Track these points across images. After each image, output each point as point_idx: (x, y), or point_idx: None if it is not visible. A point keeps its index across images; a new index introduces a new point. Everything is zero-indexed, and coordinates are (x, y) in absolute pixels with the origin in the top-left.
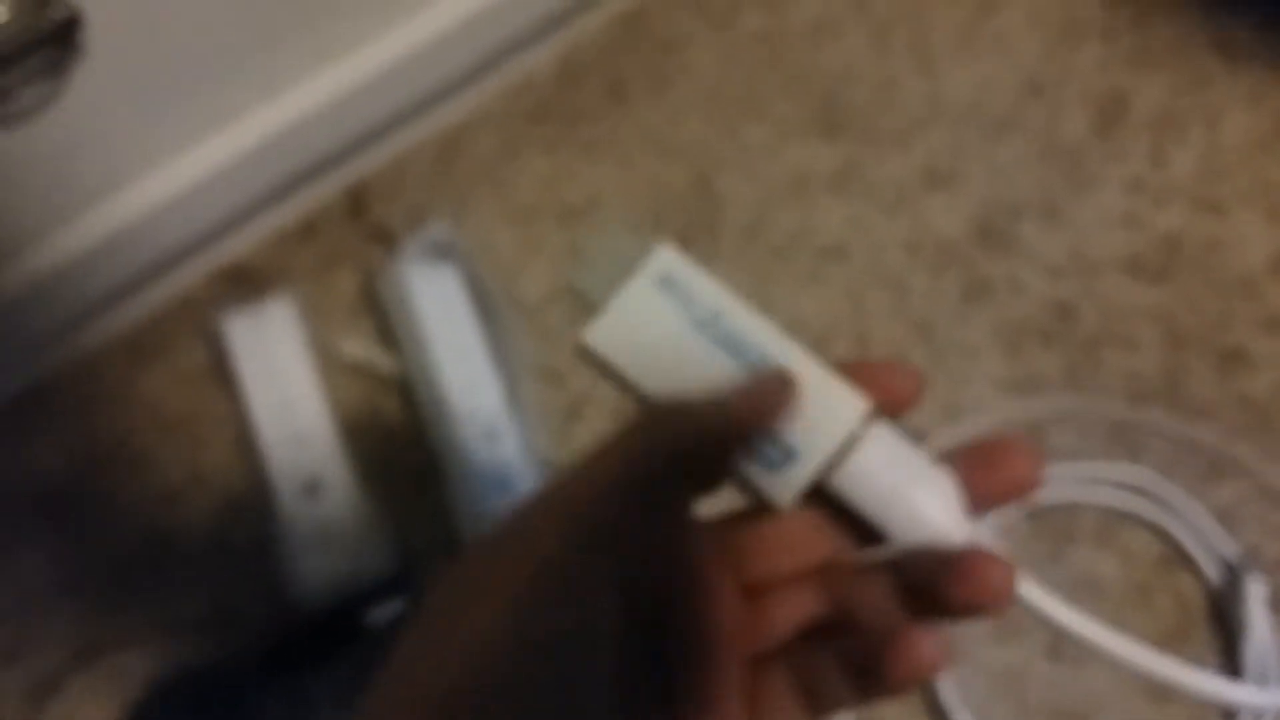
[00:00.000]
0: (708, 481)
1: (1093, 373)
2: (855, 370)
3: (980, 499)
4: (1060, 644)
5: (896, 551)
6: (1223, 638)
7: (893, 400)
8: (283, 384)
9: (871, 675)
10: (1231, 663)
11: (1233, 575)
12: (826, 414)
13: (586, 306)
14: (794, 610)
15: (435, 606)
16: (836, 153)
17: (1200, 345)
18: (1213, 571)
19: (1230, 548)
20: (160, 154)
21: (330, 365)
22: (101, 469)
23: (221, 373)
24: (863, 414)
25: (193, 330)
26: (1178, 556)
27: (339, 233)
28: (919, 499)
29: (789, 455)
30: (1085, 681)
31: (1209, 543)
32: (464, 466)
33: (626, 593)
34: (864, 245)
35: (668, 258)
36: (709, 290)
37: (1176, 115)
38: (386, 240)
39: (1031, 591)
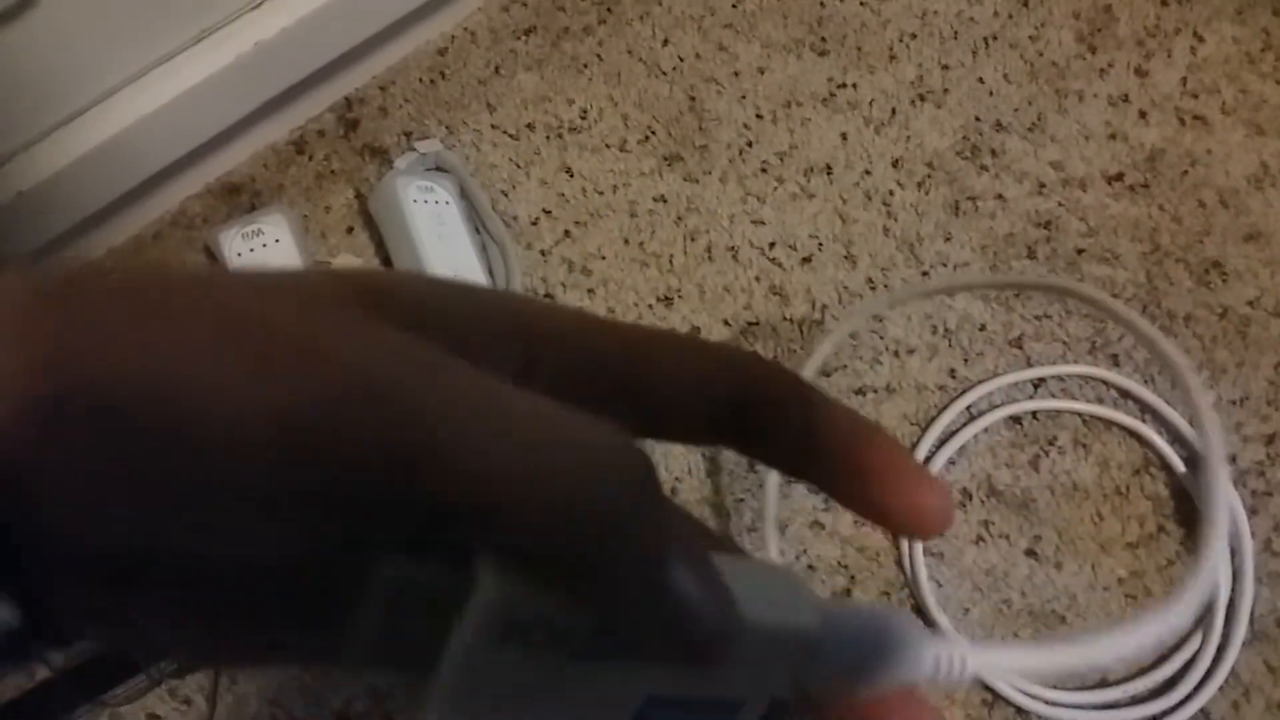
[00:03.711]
0: None
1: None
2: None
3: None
4: (1039, 544)
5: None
6: (1195, 534)
7: None
8: None
9: None
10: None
11: (1200, 469)
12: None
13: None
14: None
15: None
16: (826, 69)
17: (1180, 257)
18: (1185, 470)
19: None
20: (147, 65)
21: None
22: None
23: None
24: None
25: (188, 245)
26: (1155, 461)
27: (331, 149)
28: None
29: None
30: (1063, 581)
31: (1183, 445)
32: None
33: None
34: (853, 161)
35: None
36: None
37: (1163, 28)
38: (378, 156)
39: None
